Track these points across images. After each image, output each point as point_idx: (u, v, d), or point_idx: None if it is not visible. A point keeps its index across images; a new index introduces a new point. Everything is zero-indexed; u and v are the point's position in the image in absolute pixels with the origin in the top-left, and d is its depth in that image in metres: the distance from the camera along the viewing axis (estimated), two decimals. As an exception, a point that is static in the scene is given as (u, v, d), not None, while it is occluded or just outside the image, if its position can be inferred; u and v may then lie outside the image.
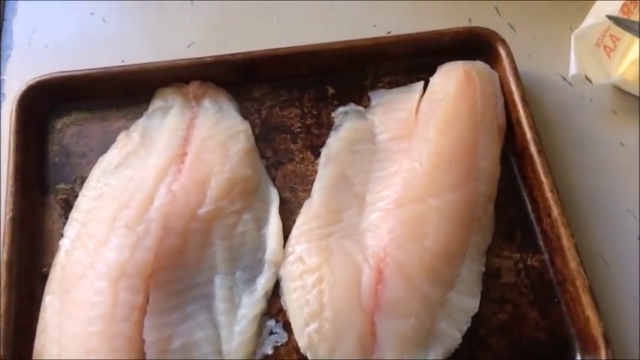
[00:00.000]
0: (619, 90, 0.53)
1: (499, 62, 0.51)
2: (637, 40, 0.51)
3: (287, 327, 0.43)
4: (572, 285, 0.43)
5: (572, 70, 0.51)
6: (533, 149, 0.47)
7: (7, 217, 0.44)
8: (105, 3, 0.58)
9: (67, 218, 0.46)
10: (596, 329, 0.41)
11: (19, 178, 0.46)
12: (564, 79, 0.54)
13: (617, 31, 0.51)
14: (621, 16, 0.51)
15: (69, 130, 0.50)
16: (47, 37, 0.57)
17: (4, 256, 0.43)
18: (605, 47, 0.52)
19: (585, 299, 0.42)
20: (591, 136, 0.52)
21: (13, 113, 0.48)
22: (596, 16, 0.52)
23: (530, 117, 0.48)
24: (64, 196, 0.47)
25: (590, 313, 0.42)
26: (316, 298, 0.42)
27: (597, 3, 0.52)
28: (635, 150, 0.51)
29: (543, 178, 0.46)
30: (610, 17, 0.49)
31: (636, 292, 0.46)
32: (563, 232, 0.44)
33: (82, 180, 0.47)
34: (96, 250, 0.42)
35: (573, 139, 0.51)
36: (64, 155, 0.49)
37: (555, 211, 0.44)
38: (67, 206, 0.47)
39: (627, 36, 0.51)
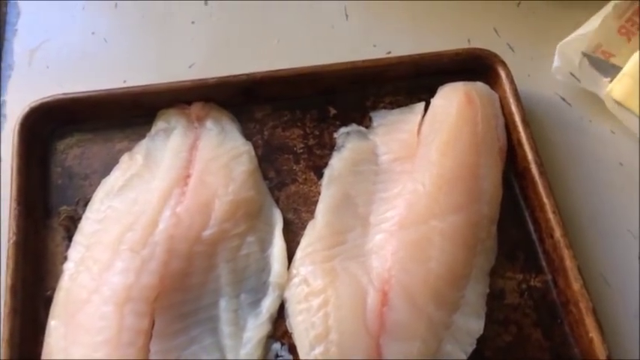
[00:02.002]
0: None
1: (499, 83, 0.52)
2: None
3: (292, 350, 0.43)
4: (576, 306, 0.43)
5: (555, 62, 0.52)
6: (534, 170, 0.47)
7: (11, 242, 0.44)
8: (106, 23, 0.58)
9: (70, 241, 0.46)
10: (600, 351, 0.41)
11: (21, 201, 0.46)
12: (563, 99, 0.55)
13: (611, 46, 0.52)
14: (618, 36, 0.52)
15: (71, 152, 0.50)
16: (48, 57, 0.56)
17: (8, 281, 0.42)
18: (603, 52, 0.53)
19: (589, 321, 0.42)
20: (591, 156, 0.52)
21: (16, 135, 0.48)
22: (584, 28, 0.53)
23: (531, 138, 0.48)
24: (66, 219, 0.47)
25: (594, 334, 0.42)
26: (322, 321, 0.42)
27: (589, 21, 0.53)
28: (634, 170, 0.52)
29: (545, 200, 0.46)
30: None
31: (637, 311, 0.46)
32: (565, 254, 0.44)
33: (85, 202, 0.47)
34: (101, 274, 0.42)
35: (573, 159, 0.52)
36: (67, 177, 0.49)
37: (558, 232, 0.45)
38: (70, 229, 0.47)
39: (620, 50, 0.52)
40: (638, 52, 0.50)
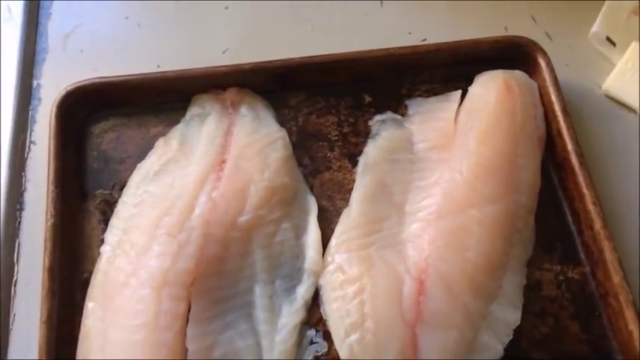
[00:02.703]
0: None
1: (538, 72, 0.51)
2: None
3: (327, 337, 0.43)
4: (615, 299, 0.43)
5: (594, 28, 0.52)
6: (574, 161, 0.46)
7: (49, 224, 0.44)
8: (140, 7, 0.58)
9: (105, 224, 0.46)
10: (639, 344, 0.41)
11: (58, 184, 0.46)
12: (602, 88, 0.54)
13: None
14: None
15: (107, 136, 0.50)
16: (82, 41, 0.57)
17: (46, 263, 0.43)
18: None
19: (628, 314, 0.42)
20: (631, 146, 0.51)
21: (52, 119, 0.48)
22: None
23: (571, 128, 0.48)
24: (102, 202, 0.47)
25: (633, 327, 0.41)
26: (357, 309, 0.42)
27: None
28: (676, 162, 0.51)
29: (585, 190, 0.45)
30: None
31: (677, 306, 0.45)
32: (605, 246, 0.43)
33: (121, 186, 0.48)
34: (138, 257, 0.42)
35: (613, 150, 0.51)
36: (103, 161, 0.49)
37: (598, 224, 0.44)
38: (106, 212, 0.47)
39: None
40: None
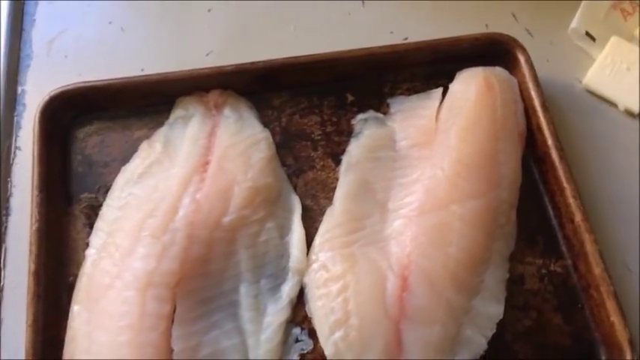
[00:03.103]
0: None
1: (518, 68, 0.51)
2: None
3: (312, 334, 0.44)
4: (597, 290, 0.43)
5: (574, 23, 0.53)
6: (554, 155, 0.47)
7: (33, 228, 0.44)
8: (123, 12, 0.59)
9: (91, 228, 0.46)
10: (621, 334, 0.41)
11: (43, 189, 0.46)
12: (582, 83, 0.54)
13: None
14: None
15: (91, 140, 0.50)
16: (66, 47, 0.57)
17: (32, 267, 0.43)
18: (622, 10, 0.54)
19: (610, 305, 0.42)
20: (611, 140, 0.52)
21: (36, 124, 0.48)
22: None
23: (551, 123, 0.48)
24: (87, 206, 0.48)
25: (615, 318, 0.42)
26: (341, 306, 0.43)
27: None
28: (656, 154, 0.51)
29: (566, 184, 0.46)
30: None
31: (659, 297, 0.46)
32: (586, 238, 0.44)
33: (106, 189, 0.48)
34: (122, 259, 0.43)
35: (593, 144, 0.51)
36: (87, 165, 0.49)
37: (578, 217, 0.45)
38: (91, 216, 0.47)
39: None
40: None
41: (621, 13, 0.54)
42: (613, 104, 0.53)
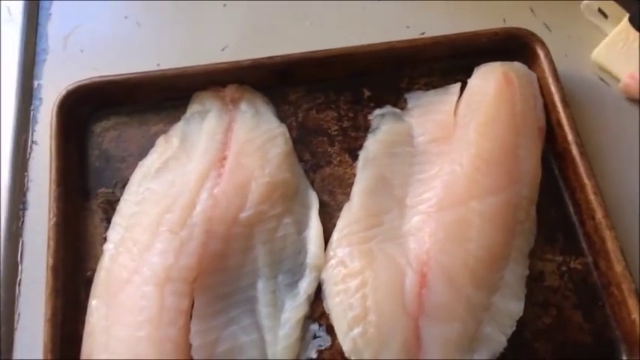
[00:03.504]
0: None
1: (537, 63, 0.51)
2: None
3: (330, 330, 0.43)
4: (618, 288, 0.43)
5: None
6: (575, 151, 0.46)
7: (51, 223, 0.44)
8: (139, 6, 0.59)
9: (108, 222, 0.46)
10: (643, 332, 0.41)
11: (60, 183, 0.46)
12: (601, 79, 0.54)
13: None
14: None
15: (108, 135, 0.50)
16: (82, 41, 0.57)
17: (50, 261, 0.43)
18: None
19: (632, 303, 0.42)
20: (631, 136, 0.51)
21: (54, 118, 0.48)
22: None
23: (571, 118, 0.48)
24: (105, 201, 0.48)
25: (636, 316, 0.42)
26: (360, 302, 0.42)
27: None
28: (677, 151, 0.51)
29: (586, 180, 0.45)
30: None
31: (680, 295, 0.45)
32: (607, 235, 0.44)
33: (123, 184, 0.48)
34: (141, 254, 0.43)
35: (613, 140, 0.51)
36: (104, 160, 0.49)
37: (599, 214, 0.44)
38: (108, 211, 0.47)
39: None
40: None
41: None
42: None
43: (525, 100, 0.49)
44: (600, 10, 0.54)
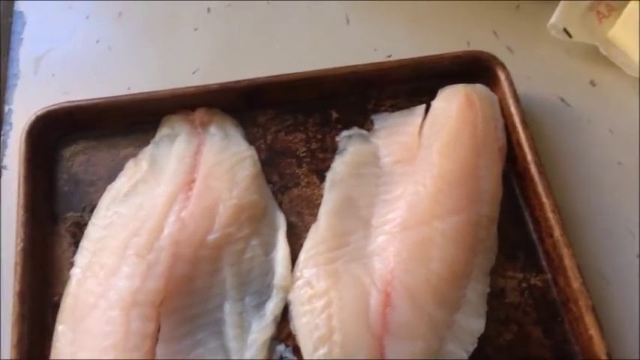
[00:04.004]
0: (616, 109, 0.55)
1: (498, 85, 0.52)
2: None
3: (297, 351, 0.44)
4: (575, 304, 0.44)
5: (552, 19, 0.55)
6: (534, 170, 0.48)
7: (19, 248, 0.45)
8: (110, 31, 0.59)
9: (76, 247, 0.47)
10: (599, 348, 0.42)
11: (28, 208, 0.46)
12: (562, 99, 0.55)
13: (616, 1, 0.56)
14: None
15: (77, 159, 0.51)
16: (53, 66, 0.57)
17: (17, 287, 0.43)
18: (597, 12, 0.56)
19: (588, 319, 0.43)
20: (589, 155, 0.53)
21: (22, 143, 0.49)
22: None
23: (531, 138, 0.49)
24: (73, 225, 0.48)
25: (593, 332, 0.42)
26: (325, 322, 0.43)
27: None
28: (633, 169, 0.52)
29: (545, 199, 0.46)
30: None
31: (637, 310, 0.46)
32: (565, 252, 0.45)
33: (91, 208, 0.48)
34: (107, 279, 0.43)
35: (572, 159, 0.52)
36: (73, 184, 0.50)
37: (557, 232, 0.45)
38: (77, 235, 0.47)
39: (623, 7, 0.54)
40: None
41: (597, 15, 0.56)
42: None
43: (487, 122, 0.50)
44: (565, 30, 0.56)
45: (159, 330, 0.42)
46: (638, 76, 0.55)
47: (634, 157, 0.53)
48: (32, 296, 0.44)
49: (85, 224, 0.47)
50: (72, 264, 0.46)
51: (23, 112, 0.53)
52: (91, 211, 0.48)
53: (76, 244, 0.47)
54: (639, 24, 0.53)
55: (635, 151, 0.53)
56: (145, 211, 0.46)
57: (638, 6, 0.53)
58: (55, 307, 0.44)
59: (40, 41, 0.59)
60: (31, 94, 0.56)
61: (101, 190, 0.49)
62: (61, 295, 0.45)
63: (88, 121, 0.51)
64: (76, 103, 0.50)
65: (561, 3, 0.55)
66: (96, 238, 0.46)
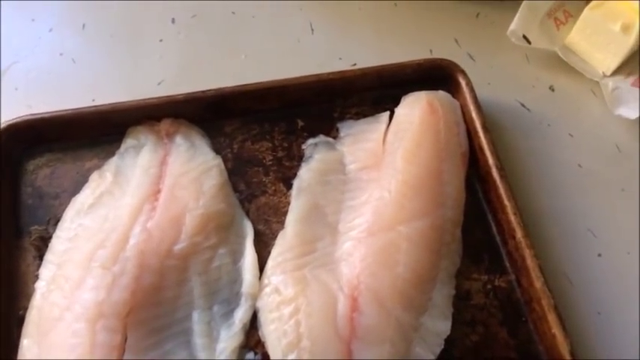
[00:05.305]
0: (575, 113, 0.56)
1: (460, 91, 0.53)
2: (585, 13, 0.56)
3: (266, 358, 0.44)
4: (539, 304, 0.45)
5: (512, 26, 0.56)
6: (495, 174, 0.49)
7: (-18, 262, 0.44)
8: (74, 43, 0.59)
9: (41, 260, 0.46)
10: (563, 347, 0.43)
11: (-8, 222, 0.46)
12: (522, 105, 0.57)
13: (572, 7, 0.57)
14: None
15: (41, 172, 0.50)
16: (17, 79, 0.57)
17: (-20, 302, 0.43)
18: (555, 19, 0.57)
19: (551, 318, 0.44)
20: (550, 158, 0.54)
21: (-15, 157, 0.48)
22: None
23: (492, 143, 0.50)
24: (38, 238, 0.47)
25: (556, 331, 0.43)
26: (293, 329, 0.43)
27: None
28: (593, 171, 0.53)
29: (506, 202, 0.47)
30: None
31: (599, 308, 0.48)
32: (527, 253, 0.46)
33: (56, 221, 0.48)
34: (72, 291, 0.43)
35: (533, 163, 0.54)
36: (37, 197, 0.49)
37: (519, 233, 0.46)
38: (42, 248, 0.47)
39: (580, 13, 0.56)
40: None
41: (554, 22, 0.57)
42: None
43: (449, 127, 0.51)
44: (524, 37, 0.57)
45: (126, 341, 0.41)
46: (598, 80, 0.56)
47: (593, 160, 0.54)
48: (-4, 311, 0.43)
49: (50, 237, 0.47)
50: (37, 277, 0.45)
51: (-14, 126, 0.53)
52: (56, 224, 0.47)
53: (40, 257, 0.46)
54: (594, 30, 0.55)
55: (594, 154, 0.54)
56: (110, 222, 0.46)
57: (592, 12, 0.55)
58: (20, 321, 0.44)
59: (3, 54, 0.59)
60: (-6, 108, 0.55)
61: (66, 203, 0.48)
62: (25, 308, 0.44)
63: (52, 133, 0.51)
64: (40, 116, 0.50)
65: (520, 10, 0.56)
66: (61, 250, 0.45)
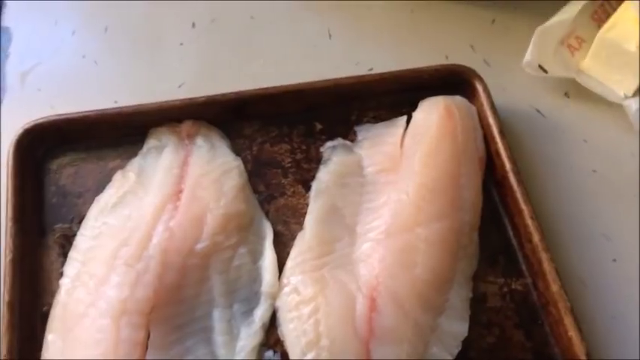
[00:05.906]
0: (589, 120, 0.57)
1: (476, 97, 0.54)
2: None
3: (285, 357, 0.44)
4: (555, 307, 0.45)
5: (527, 57, 0.56)
6: (512, 179, 0.49)
7: (8, 259, 0.45)
8: (96, 46, 0.60)
9: (65, 258, 0.47)
10: (578, 349, 0.43)
11: (17, 220, 0.47)
12: (538, 110, 0.58)
13: (584, 32, 0.57)
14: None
15: (65, 171, 0.51)
16: (40, 80, 0.58)
17: (6, 298, 0.44)
18: (569, 46, 0.57)
19: (567, 320, 0.44)
20: (565, 164, 0.55)
21: (10, 157, 0.49)
22: (562, 15, 0.56)
23: (508, 148, 0.51)
24: (61, 236, 0.48)
25: (572, 333, 0.44)
26: (313, 328, 0.44)
27: (568, 3, 0.58)
28: (607, 176, 0.54)
29: (523, 206, 0.48)
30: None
31: (614, 312, 0.48)
32: (544, 257, 0.46)
33: (80, 219, 0.49)
34: (97, 288, 0.44)
35: (548, 167, 0.54)
36: (61, 196, 0.50)
37: (536, 237, 0.47)
38: (65, 246, 0.48)
39: (592, 38, 0.56)
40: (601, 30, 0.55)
41: (568, 49, 0.58)
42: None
43: (466, 132, 0.52)
44: (540, 67, 0.57)
45: (148, 338, 0.42)
46: (620, 102, 0.55)
47: (608, 165, 0.55)
48: (21, 307, 0.44)
49: (73, 236, 0.48)
50: (61, 274, 0.46)
51: (9, 126, 0.53)
52: (79, 222, 0.48)
53: (64, 255, 0.47)
54: (610, 52, 0.55)
55: (608, 160, 0.55)
56: (134, 221, 0.47)
57: (607, 35, 0.55)
58: (44, 316, 0.44)
59: (26, 56, 0.60)
60: (17, 109, 0.56)
61: (89, 202, 0.49)
62: (49, 305, 0.45)
63: (75, 133, 0.52)
64: (64, 117, 0.51)
65: (533, 40, 0.56)
66: (85, 248, 0.46)
